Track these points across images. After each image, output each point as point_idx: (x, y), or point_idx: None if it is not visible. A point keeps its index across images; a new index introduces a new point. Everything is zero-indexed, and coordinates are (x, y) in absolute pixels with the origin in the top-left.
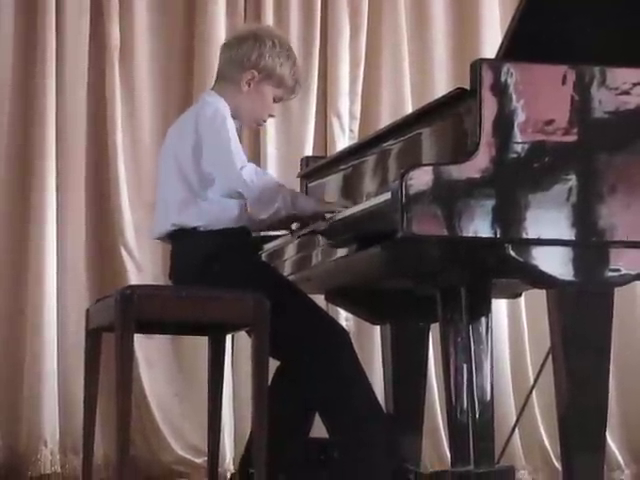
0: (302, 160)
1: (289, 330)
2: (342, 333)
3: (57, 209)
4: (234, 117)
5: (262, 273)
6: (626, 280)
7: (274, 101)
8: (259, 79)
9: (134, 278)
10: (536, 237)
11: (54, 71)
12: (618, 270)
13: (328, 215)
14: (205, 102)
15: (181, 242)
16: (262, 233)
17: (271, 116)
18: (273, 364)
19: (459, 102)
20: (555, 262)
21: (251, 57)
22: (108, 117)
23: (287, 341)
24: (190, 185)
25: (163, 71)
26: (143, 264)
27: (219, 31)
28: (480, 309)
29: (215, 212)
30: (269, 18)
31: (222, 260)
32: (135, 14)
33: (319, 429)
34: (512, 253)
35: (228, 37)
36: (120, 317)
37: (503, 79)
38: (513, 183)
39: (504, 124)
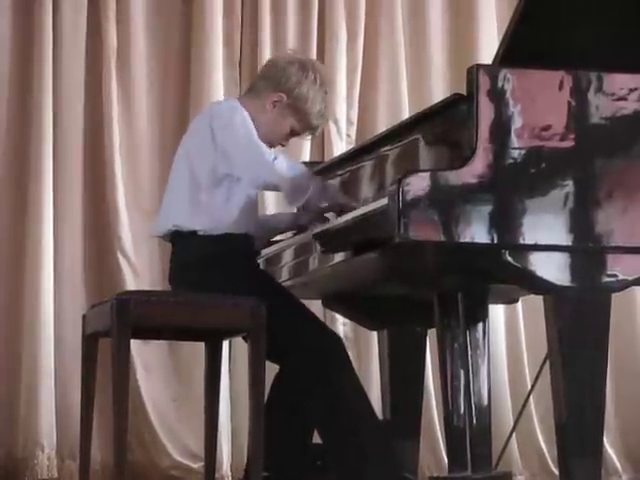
0: None
1: (280, 335)
2: (334, 338)
3: (54, 212)
4: None
5: (255, 278)
6: (623, 286)
7: (290, 133)
8: (285, 105)
9: (131, 283)
10: (533, 243)
11: (51, 72)
12: (615, 276)
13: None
14: (220, 102)
15: (180, 245)
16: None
17: (281, 145)
18: (270, 370)
19: (456, 108)
20: (552, 268)
21: (289, 81)
22: (105, 119)
23: (279, 347)
24: (198, 186)
25: (160, 72)
26: (140, 269)
27: (216, 34)
28: (477, 314)
29: (216, 217)
30: (266, 23)
31: (218, 265)
32: (132, 15)
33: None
34: (509, 259)
35: (278, 56)
36: (116, 323)
37: (500, 85)
38: (510, 189)
39: (501, 130)
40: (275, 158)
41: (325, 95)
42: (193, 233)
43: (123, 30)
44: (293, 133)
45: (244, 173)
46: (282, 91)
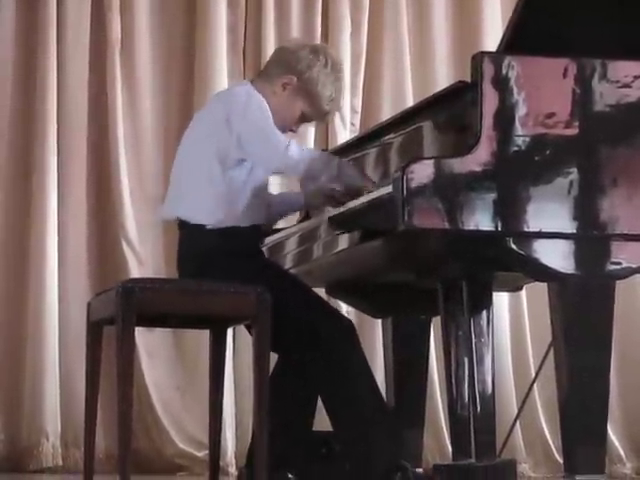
0: None
1: (294, 324)
2: (347, 325)
3: (58, 202)
4: None
5: (265, 271)
6: (627, 273)
7: (301, 118)
8: (296, 87)
9: (135, 271)
10: (537, 230)
11: (55, 65)
12: (619, 263)
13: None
14: (236, 88)
15: (186, 235)
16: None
17: (292, 131)
18: (274, 358)
19: (460, 95)
20: (556, 255)
21: (299, 63)
22: (109, 111)
23: (292, 335)
24: (209, 175)
25: (164, 64)
26: (144, 257)
27: (220, 25)
28: (481, 302)
29: (224, 210)
30: (270, 12)
31: (223, 260)
32: (136, 8)
33: (323, 422)
34: (513, 246)
35: (290, 41)
36: (121, 310)
37: (504, 72)
38: (514, 176)
39: (505, 117)
40: (289, 144)
41: (336, 81)
42: (200, 226)
43: (127, 20)
44: (304, 118)
45: (258, 158)
46: (292, 73)
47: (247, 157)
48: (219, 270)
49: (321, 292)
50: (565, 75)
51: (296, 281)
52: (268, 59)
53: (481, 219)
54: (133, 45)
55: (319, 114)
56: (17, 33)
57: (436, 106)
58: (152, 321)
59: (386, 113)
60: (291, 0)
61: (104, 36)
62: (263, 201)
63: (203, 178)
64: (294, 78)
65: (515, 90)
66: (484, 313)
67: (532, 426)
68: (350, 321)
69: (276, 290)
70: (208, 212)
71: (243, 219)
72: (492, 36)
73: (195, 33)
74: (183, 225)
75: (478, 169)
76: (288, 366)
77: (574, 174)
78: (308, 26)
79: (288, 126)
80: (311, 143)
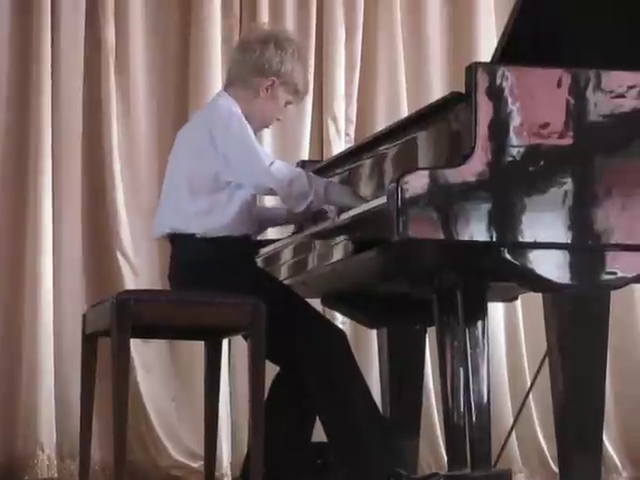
0: (298, 164)
1: (286, 334)
2: (339, 336)
3: (53, 213)
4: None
5: (259, 280)
6: (622, 283)
7: (284, 105)
8: (277, 85)
9: (130, 282)
10: (532, 240)
11: (50, 73)
12: (614, 273)
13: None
14: (217, 105)
15: (178, 246)
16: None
17: (277, 119)
18: (270, 369)
19: (455, 106)
20: (551, 265)
21: (272, 64)
22: (104, 120)
23: (284, 346)
24: (198, 191)
25: (159, 72)
26: (139, 268)
27: (215, 32)
28: (476, 312)
29: (215, 221)
30: (264, 20)
31: (218, 268)
32: (130, 14)
33: (317, 432)
34: (508, 256)
35: (246, 38)
36: (116, 322)
37: (498, 83)
38: (509, 186)
39: (499, 128)
40: (272, 163)
41: (304, 62)
42: (191, 236)
43: (121, 29)
44: (286, 105)
45: (245, 180)
46: (270, 75)
47: (235, 179)
48: (212, 281)
49: (316, 303)
50: (559, 85)
51: (289, 292)
52: (232, 60)
53: (476, 229)
54: (127, 53)
55: (298, 97)
56: (11, 37)
57: (431, 117)
58: (147, 333)
59: (381, 123)
60: (285, 7)
61: (98, 44)
62: (253, 210)
63: (193, 196)
64: (274, 79)
65: (509, 100)
66: (479, 323)
67: (528, 436)
68: (342, 331)
69: (269, 301)
70: (198, 224)
71: (234, 228)
72: (486, 44)
73: (189, 40)
74: (174, 237)
75: (473, 179)
76: (286, 377)
77: (569, 184)
78: (302, 35)
79: (274, 119)
80: (306, 154)
